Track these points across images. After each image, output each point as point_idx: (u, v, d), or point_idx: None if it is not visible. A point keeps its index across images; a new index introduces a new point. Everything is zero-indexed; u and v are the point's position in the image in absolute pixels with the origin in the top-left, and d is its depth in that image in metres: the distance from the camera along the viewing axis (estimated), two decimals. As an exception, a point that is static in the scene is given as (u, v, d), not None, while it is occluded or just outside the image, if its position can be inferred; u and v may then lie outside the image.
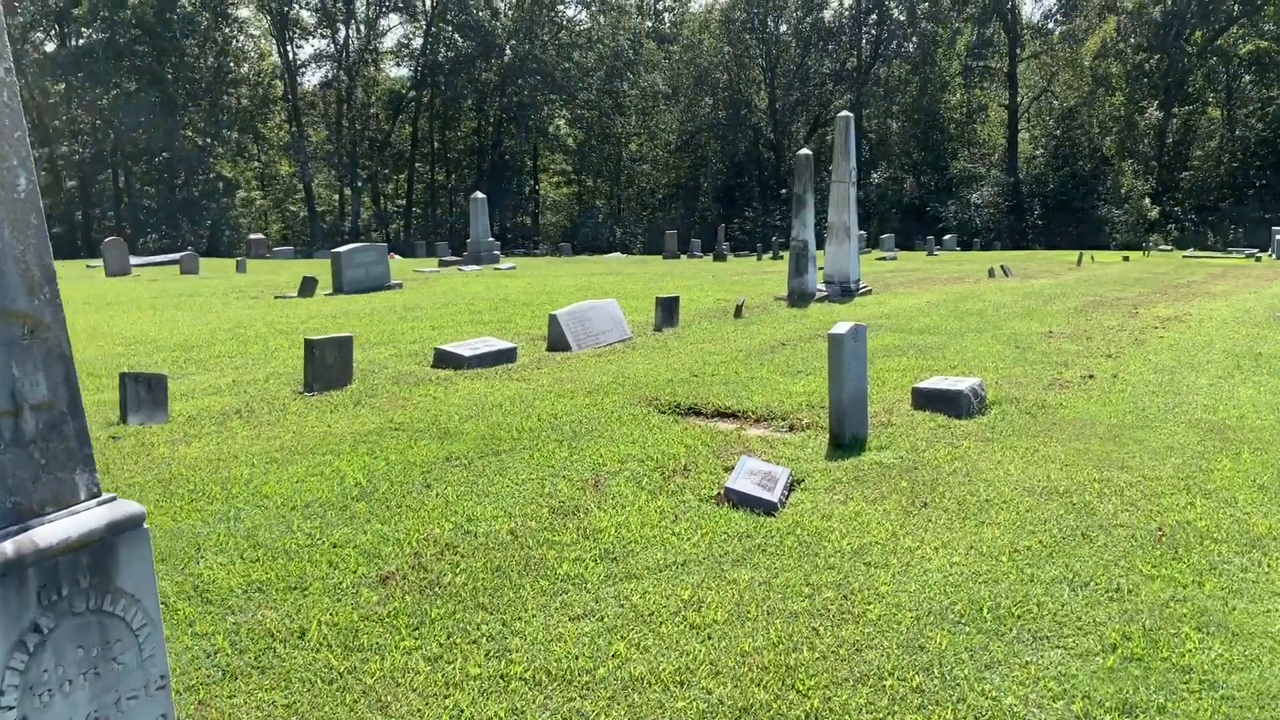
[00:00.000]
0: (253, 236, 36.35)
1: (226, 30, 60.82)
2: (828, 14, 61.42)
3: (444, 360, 10.07)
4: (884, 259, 33.26)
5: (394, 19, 64.29)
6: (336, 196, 65.73)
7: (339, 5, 61.46)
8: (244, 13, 61.86)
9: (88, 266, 28.46)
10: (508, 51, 62.36)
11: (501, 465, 6.57)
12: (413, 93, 64.06)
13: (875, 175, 57.11)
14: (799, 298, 17.02)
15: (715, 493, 6.14)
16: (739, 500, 6.09)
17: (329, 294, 17.91)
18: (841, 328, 7.50)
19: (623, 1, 65.28)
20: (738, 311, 14.80)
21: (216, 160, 60.52)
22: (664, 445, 7.09)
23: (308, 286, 17.36)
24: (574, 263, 33.07)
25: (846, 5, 61.71)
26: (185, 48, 55.54)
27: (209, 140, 59.07)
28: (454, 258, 30.60)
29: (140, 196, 59.51)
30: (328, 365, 8.91)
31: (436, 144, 66.41)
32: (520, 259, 34.72)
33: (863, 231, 40.81)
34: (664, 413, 8.36)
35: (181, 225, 58.43)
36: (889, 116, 59.36)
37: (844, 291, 18.10)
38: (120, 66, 55.67)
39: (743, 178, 61.09)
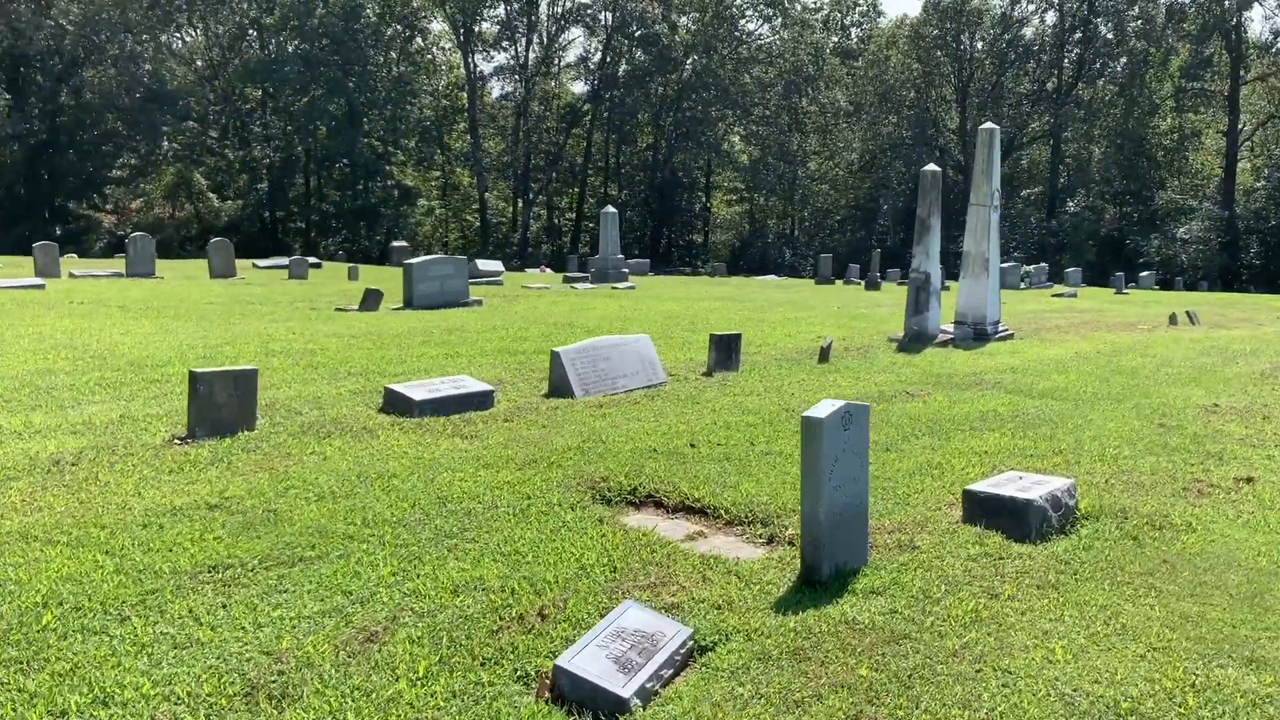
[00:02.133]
0: (395, 244, 35.99)
1: (418, 42, 62.08)
2: (1028, 31, 57.01)
3: (393, 404, 8.21)
4: (1060, 295, 29.53)
5: (574, 32, 63.88)
6: (510, 208, 65.94)
7: (521, 19, 61.62)
8: (436, 26, 63.00)
9: (255, 266, 28.45)
10: (686, 66, 60.88)
11: (277, 584, 4.62)
12: (588, 106, 63.56)
13: (1071, 204, 52.31)
14: (914, 340, 14.36)
15: (550, 669, 3.98)
16: (570, 689, 3.91)
17: (396, 308, 16.49)
18: (824, 408, 5.15)
19: (807, 16, 62.71)
20: (823, 355, 12.35)
21: (395, 168, 61.63)
22: (550, 562, 5.02)
23: (370, 299, 15.98)
24: (707, 284, 30.92)
25: (1049, 23, 57.10)
26: (369, 57, 56.71)
27: (388, 148, 60.20)
28: (578, 274, 29.02)
29: (324, 201, 61.28)
30: (216, 405, 7.19)
31: (610, 158, 65.67)
32: (648, 279, 32.83)
33: (1044, 264, 36.91)
34: (605, 501, 6.22)
35: (360, 230, 59.84)
36: (1090, 141, 54.37)
37: (976, 335, 15.27)
38: (311, 74, 57.43)
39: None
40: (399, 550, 5.11)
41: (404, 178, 62.95)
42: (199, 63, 61.80)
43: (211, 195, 62.06)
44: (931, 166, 15.09)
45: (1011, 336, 15.94)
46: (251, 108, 62.77)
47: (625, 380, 9.81)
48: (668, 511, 6.34)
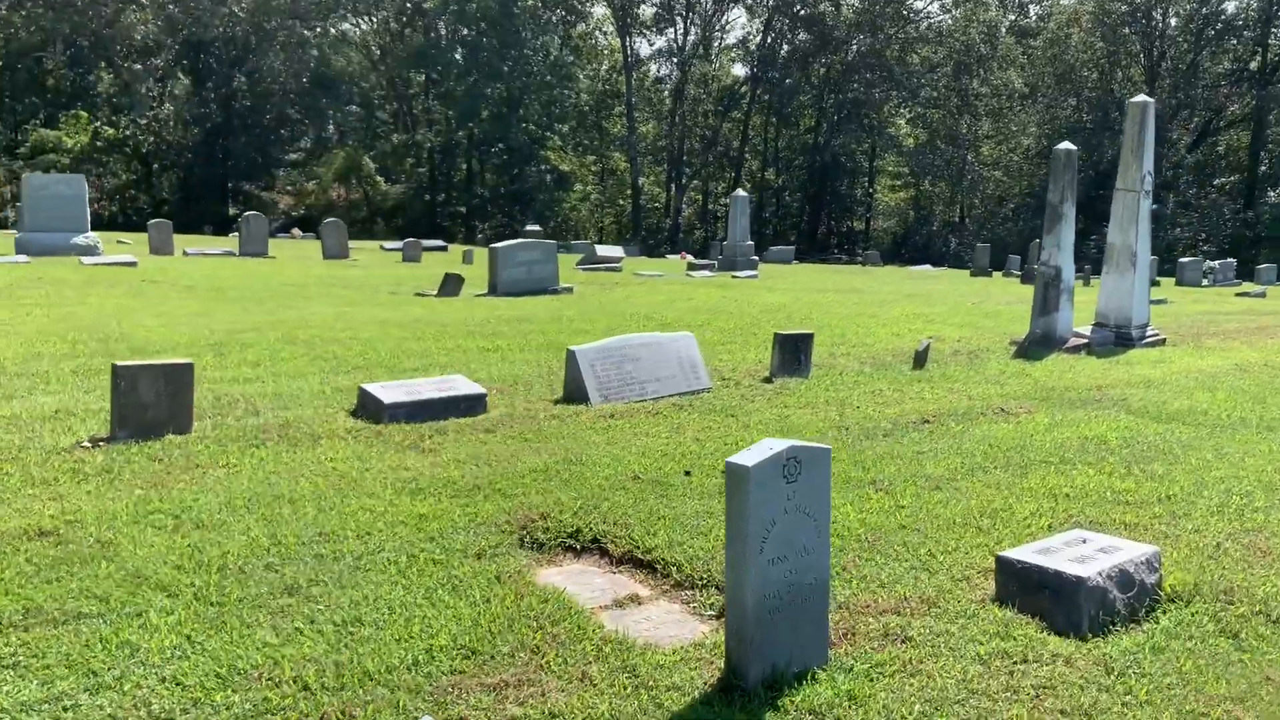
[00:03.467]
0: (529, 228, 35.50)
1: (580, 27, 61.83)
2: (1230, 5, 51.77)
3: (365, 406, 7.20)
4: (1245, 295, 26.20)
5: (734, 13, 62.24)
6: (664, 194, 65.04)
7: (680, 1, 60.43)
8: (599, 10, 62.59)
9: (383, 248, 28.54)
10: (850, 47, 58.33)
11: (13, 653, 3.57)
12: (746, 88, 61.88)
13: (1272, 194, 47.27)
14: (1038, 343, 12.43)
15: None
16: None
17: (480, 294, 15.63)
18: (756, 451, 3.79)
19: (981, -8, 59.05)
20: (918, 359, 10.69)
21: (551, 153, 61.60)
22: (390, 640, 3.97)
23: (451, 285, 15.16)
24: (849, 274, 28.97)
25: (1256, -6, 51.66)
26: (525, 40, 56.73)
27: (544, 133, 60.19)
28: (704, 262, 27.66)
29: (482, 185, 61.89)
30: (143, 404, 6.32)
31: (768, 142, 63.83)
32: (782, 268, 31.04)
33: (1232, 260, 33.16)
34: (536, 546, 5.01)
35: (515, 215, 60.14)
36: (1300, 123, 48.98)
37: (1118, 339, 13.17)
38: (472, 60, 57.96)
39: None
40: (208, 610, 4.02)
41: (560, 162, 62.86)
42: (374, 48, 63.26)
43: (379, 179, 63.66)
44: (1065, 145, 13.04)
45: (1163, 342, 13.73)
46: (415, 93, 64.00)
47: (656, 385, 8.50)
48: (612, 563, 5.06)
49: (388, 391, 7.20)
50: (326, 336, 10.20)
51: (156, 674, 3.51)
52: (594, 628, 4.16)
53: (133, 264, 16.80)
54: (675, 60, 62.07)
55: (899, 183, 65.05)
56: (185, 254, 21.13)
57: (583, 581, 4.79)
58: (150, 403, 6.38)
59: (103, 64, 56.08)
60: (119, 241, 24.81)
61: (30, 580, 4.19)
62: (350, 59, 63.16)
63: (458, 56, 59.07)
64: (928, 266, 38.56)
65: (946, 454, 6.99)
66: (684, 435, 7.21)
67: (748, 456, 3.73)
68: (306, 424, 6.90)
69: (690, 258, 40.48)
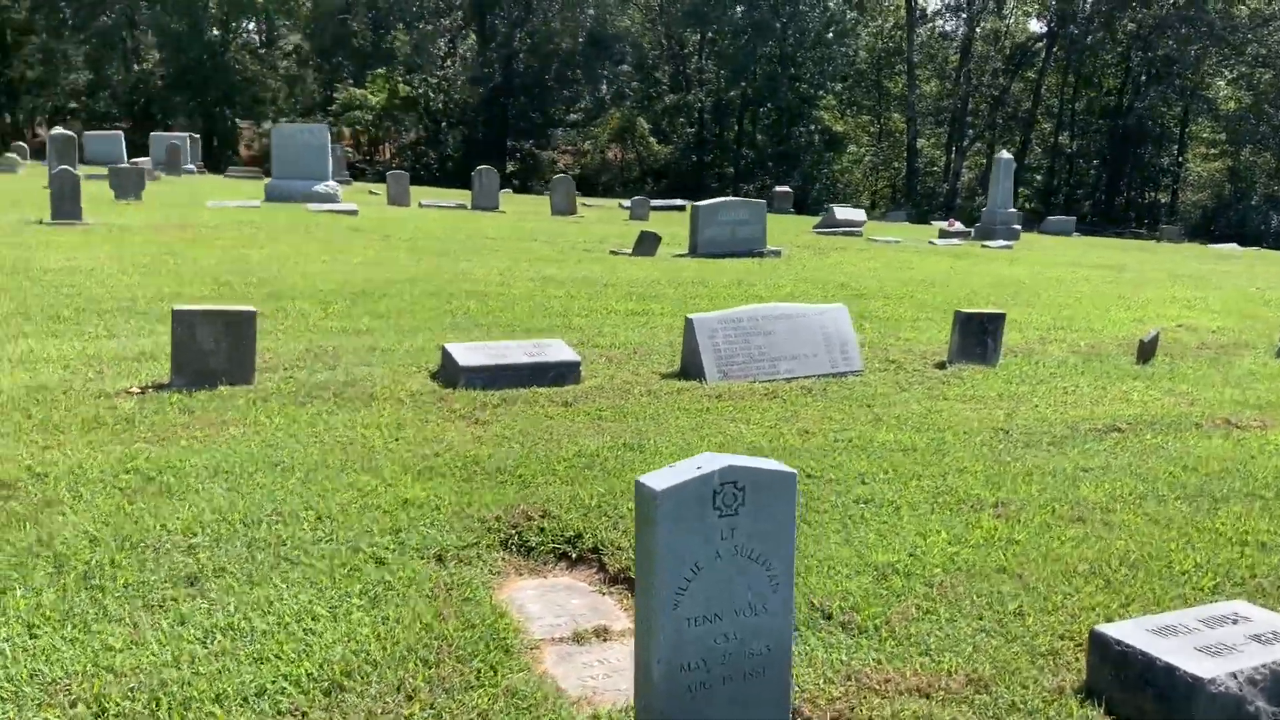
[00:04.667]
0: (778, 189, 34.17)
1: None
2: None
3: (445, 368, 6.62)
4: None
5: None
6: (943, 157, 61.50)
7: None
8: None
9: (620, 206, 28.30)
10: (1164, -3, 52.39)
11: None
12: (1040, 45, 57.11)
13: None
14: (1320, 343, 10.12)
15: None
16: None
17: (679, 254, 14.87)
18: (670, 474, 2.78)
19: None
20: (1142, 352, 8.91)
21: (824, 113, 59.62)
22: (218, 674, 3.20)
23: (646, 243, 14.48)
24: (1133, 250, 25.76)
25: None
26: (800, -3, 54.96)
27: (816, 92, 58.32)
28: (957, 230, 25.44)
29: (750, 145, 61.00)
30: (202, 352, 6.03)
31: (1064, 103, 58.73)
32: (1049, 239, 27.98)
33: None
34: (521, 550, 4.34)
35: (779, 176, 58.82)
36: None
37: None
38: (747, 17, 56.95)
39: None
40: (80, 595, 3.52)
41: (833, 123, 60.70)
42: (653, 6, 63.52)
43: (652, 139, 64.16)
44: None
45: None
46: (690, 52, 63.75)
47: (791, 365, 7.40)
48: (605, 580, 4.17)
49: (469, 353, 6.57)
50: (474, 291, 9.77)
51: (-40, 671, 3.00)
52: (519, 669, 3.30)
53: (353, 213, 17.29)
54: (964, 15, 58.20)
55: (1214, 151, 58.04)
56: (420, 205, 21.69)
57: (554, 602, 3.93)
58: (209, 350, 6.07)
59: (400, 25, 59.52)
60: (370, 192, 25.98)
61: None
62: (632, 18, 63.68)
63: (737, 12, 58.04)
64: (1234, 246, 33.90)
65: (1117, 474, 5.52)
66: (789, 427, 6.12)
67: (664, 476, 2.72)
68: (375, 383, 6.40)
69: (958, 225, 37.79)
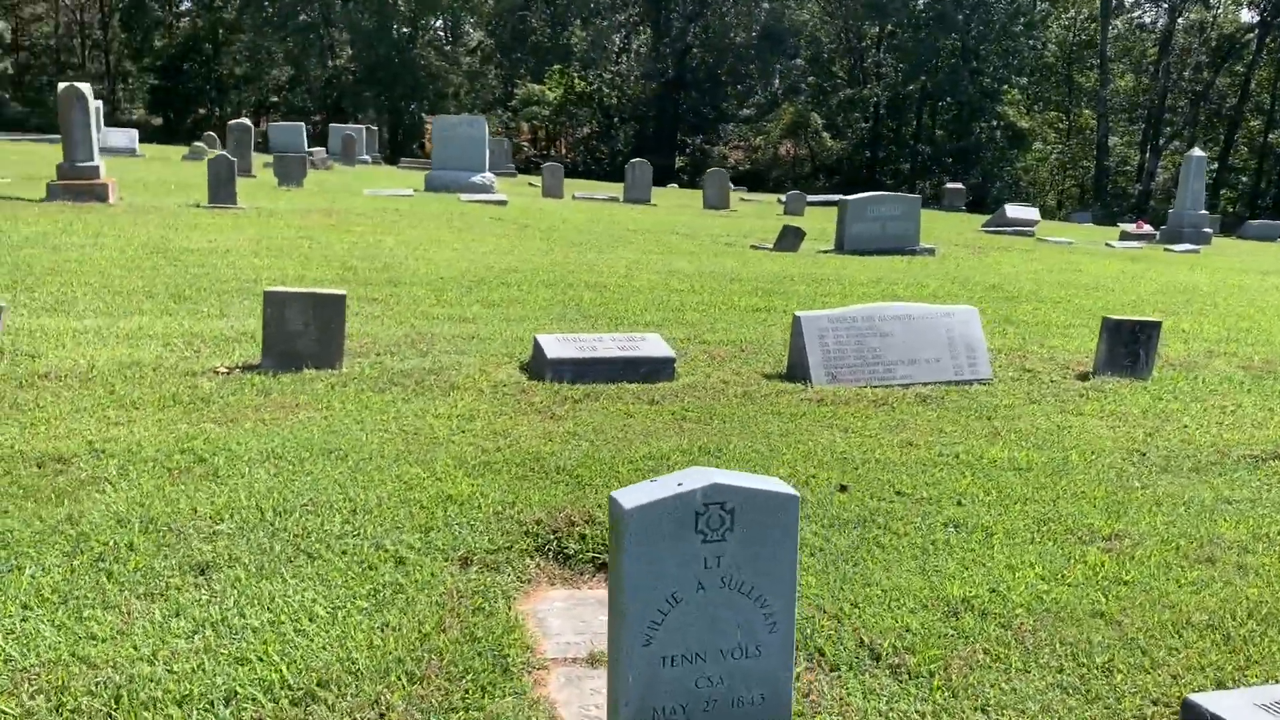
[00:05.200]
0: (950, 185, 32.72)
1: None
2: None
3: (535, 358, 6.43)
4: None
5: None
6: (1137, 156, 57.86)
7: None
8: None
9: (779, 201, 27.61)
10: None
11: None
12: (1251, 36, 52.88)
13: None
14: None
15: None
16: None
17: (824, 250, 14.32)
18: (645, 490, 2.43)
19: None
20: (1328, 371, 7.89)
21: (1008, 108, 57.05)
22: (194, 673, 3.11)
23: (789, 238, 13.98)
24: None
25: None
26: (985, -13, 52.73)
27: (999, 86, 55.86)
28: (1140, 233, 23.67)
29: (926, 141, 59.05)
30: (290, 334, 6.03)
31: (1277, 100, 54.21)
32: (1248, 244, 25.67)
33: None
34: (552, 558, 4.01)
35: (958, 174, 56.64)
36: None
37: None
38: (928, 8, 55.12)
39: None
40: (88, 579, 3.44)
41: (1017, 118, 57.98)
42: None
43: (825, 135, 62.94)
44: None
45: None
46: (867, 45, 62.17)
47: (909, 370, 6.85)
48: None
49: (558, 345, 6.34)
50: (594, 282, 9.57)
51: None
52: (511, 692, 3.01)
53: (502, 203, 17.43)
54: (1165, 6, 54.49)
55: None
56: (574, 197, 21.76)
57: (579, 617, 3.62)
58: (298, 332, 6.04)
59: (577, 21, 60.37)
60: (530, 184, 26.29)
61: (-21, 509, 3.85)
62: (811, 11, 62.56)
63: (919, 4, 56.16)
64: None
65: (1267, 509, 4.80)
66: (892, 438, 5.61)
67: (640, 491, 2.37)
68: (461, 372, 6.24)
69: (1146, 227, 35.36)
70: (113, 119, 48.39)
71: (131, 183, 16.35)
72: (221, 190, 13.28)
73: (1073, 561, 4.11)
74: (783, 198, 24.83)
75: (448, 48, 67.15)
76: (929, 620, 3.55)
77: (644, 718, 2.44)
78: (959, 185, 33.54)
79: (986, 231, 21.19)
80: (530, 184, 27.19)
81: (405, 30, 61.47)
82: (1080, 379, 7.37)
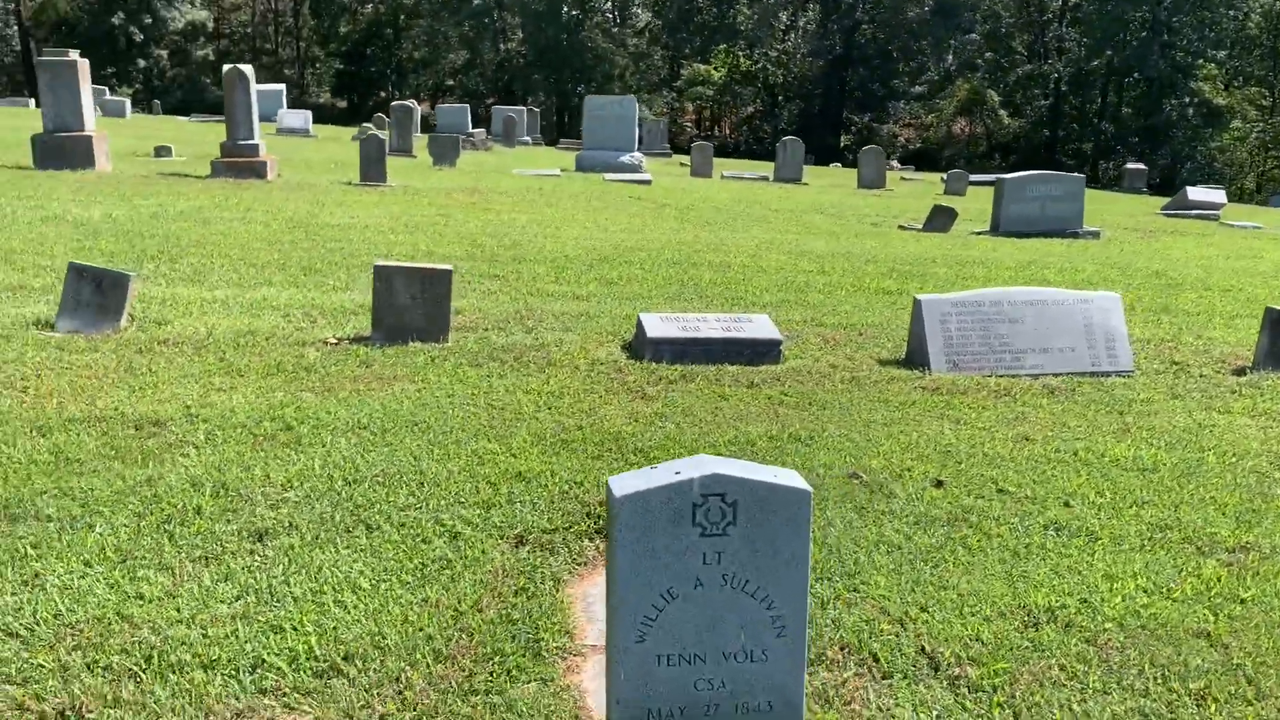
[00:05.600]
0: (1130, 166, 30.65)
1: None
2: None
3: (637, 337, 6.34)
4: None
5: None
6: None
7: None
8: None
9: (942, 179, 26.55)
10: None
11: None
12: None
13: None
14: None
15: None
16: None
17: (978, 232, 13.69)
18: (642, 477, 2.31)
19: None
20: None
21: (1203, 84, 53.30)
22: (216, 644, 3.18)
23: (939, 218, 13.41)
24: None
25: None
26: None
27: (1194, 60, 52.23)
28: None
29: (1110, 120, 55.86)
30: (398, 307, 6.14)
31: None
32: None
33: None
34: (602, 537, 3.82)
35: (1145, 154, 53.33)
36: None
37: None
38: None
39: None
40: (148, 540, 3.55)
41: (1213, 95, 54.08)
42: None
43: (1002, 112, 60.36)
44: None
45: None
46: (1049, 19, 59.19)
47: (1040, 359, 6.41)
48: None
49: (660, 324, 6.21)
50: (719, 262, 9.39)
51: (22, 607, 3.07)
52: (538, 678, 2.94)
53: (646, 183, 17.36)
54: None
55: None
56: (722, 177, 21.52)
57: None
58: (405, 306, 6.13)
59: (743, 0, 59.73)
60: (682, 164, 26.15)
61: (52, 470, 4.02)
62: (984, -18, 60.00)
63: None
64: None
65: None
66: (1007, 431, 5.25)
67: (637, 478, 2.23)
68: (562, 349, 6.20)
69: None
70: (301, 102, 50.95)
71: (295, 161, 17.09)
72: (372, 169, 13.71)
73: (1184, 574, 3.71)
74: (945, 176, 23.88)
75: (615, 29, 67.64)
76: (1004, 630, 3.27)
77: (638, 717, 2.29)
78: (1140, 166, 31.51)
79: (1164, 215, 19.83)
80: (682, 164, 27.06)
81: (574, 13, 62.23)
82: (1236, 374, 6.74)
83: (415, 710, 2.73)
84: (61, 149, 12.69)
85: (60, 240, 8.35)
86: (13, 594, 3.14)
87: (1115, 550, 3.90)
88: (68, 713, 2.62)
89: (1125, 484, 4.57)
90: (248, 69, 13.46)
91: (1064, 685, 3.00)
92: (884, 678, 3.01)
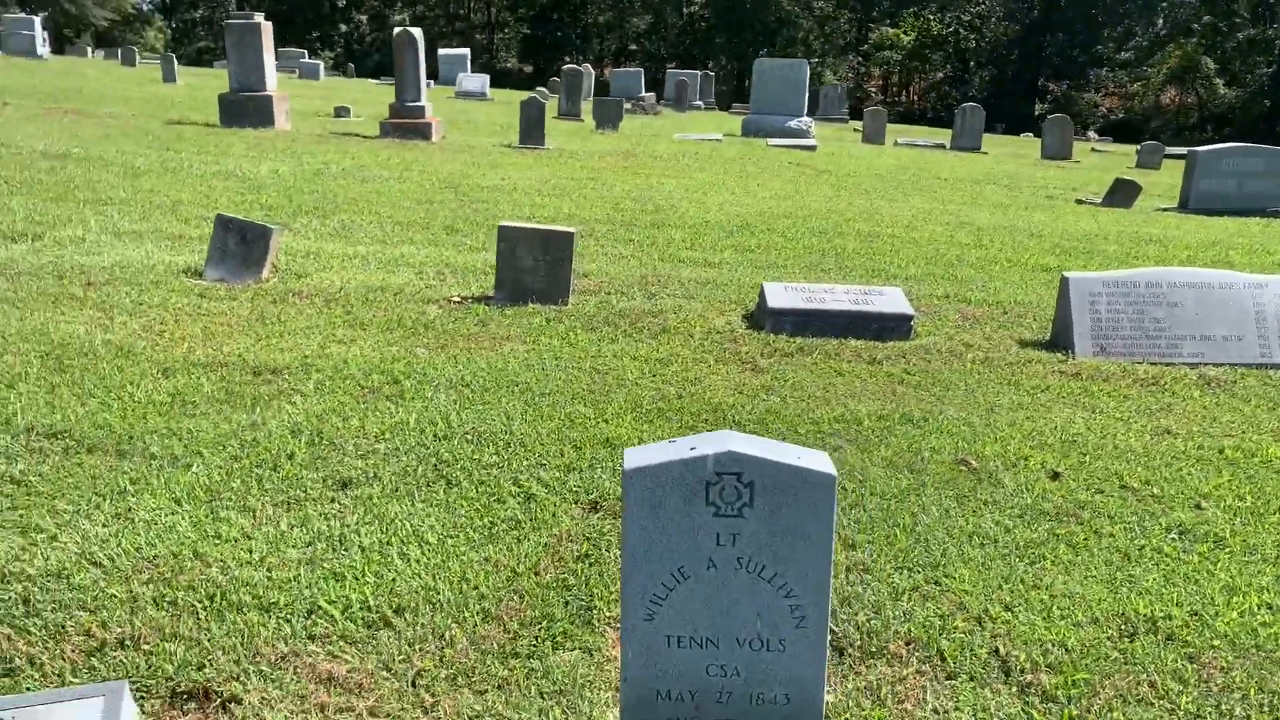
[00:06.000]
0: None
1: None
2: None
3: (760, 308, 6.20)
4: None
5: None
6: None
7: None
8: None
9: (1137, 152, 24.96)
10: None
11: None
12: None
13: None
14: None
15: None
16: None
17: (1164, 208, 12.78)
18: (656, 450, 2.25)
19: None
20: None
21: None
22: (275, 588, 3.27)
23: (1121, 192, 12.55)
24: None
25: None
26: None
27: None
28: None
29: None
30: (519, 269, 6.20)
31: None
32: None
33: None
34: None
35: None
36: None
37: None
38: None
39: None
40: (232, 484, 3.68)
41: None
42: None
43: (1217, 80, 56.12)
44: None
45: None
46: (1278, -23, 54.41)
47: (1199, 347, 5.90)
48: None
49: (783, 294, 6.03)
50: (868, 231, 9.07)
51: (89, 539, 3.24)
52: (582, 646, 2.91)
53: (810, 149, 16.92)
54: None
55: None
56: (895, 143, 20.79)
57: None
58: (528, 268, 6.17)
59: (936, -39, 57.52)
60: (854, 130, 25.40)
61: (167, 410, 4.23)
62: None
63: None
64: None
65: None
66: (1144, 423, 4.85)
67: (650, 452, 2.15)
68: (681, 316, 6.11)
69: None
70: (489, 67, 52.29)
71: (462, 124, 17.51)
72: (532, 132, 13.89)
73: (1309, 589, 3.33)
74: (1140, 149, 22.34)
75: (800, -8, 66.34)
76: (1094, 638, 3.01)
77: (646, 697, 2.21)
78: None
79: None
80: (856, 129, 26.31)
81: (756, -25, 61.31)
82: None
83: (452, 668, 2.72)
84: (244, 108, 13.41)
85: (225, 193, 8.81)
86: (105, 525, 3.31)
87: (1244, 561, 3.53)
88: (126, 642, 2.74)
89: (1273, 489, 4.14)
90: (417, 32, 13.83)
91: (1150, 704, 2.73)
92: (947, 678, 2.82)
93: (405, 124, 13.80)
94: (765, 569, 2.12)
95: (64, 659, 2.68)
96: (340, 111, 17.79)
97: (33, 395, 4.26)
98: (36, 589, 2.95)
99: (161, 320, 5.40)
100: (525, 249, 6.14)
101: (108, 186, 8.76)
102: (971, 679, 2.81)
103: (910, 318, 5.99)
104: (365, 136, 14.10)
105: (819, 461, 2.10)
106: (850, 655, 2.91)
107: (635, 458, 2.11)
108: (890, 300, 6.08)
